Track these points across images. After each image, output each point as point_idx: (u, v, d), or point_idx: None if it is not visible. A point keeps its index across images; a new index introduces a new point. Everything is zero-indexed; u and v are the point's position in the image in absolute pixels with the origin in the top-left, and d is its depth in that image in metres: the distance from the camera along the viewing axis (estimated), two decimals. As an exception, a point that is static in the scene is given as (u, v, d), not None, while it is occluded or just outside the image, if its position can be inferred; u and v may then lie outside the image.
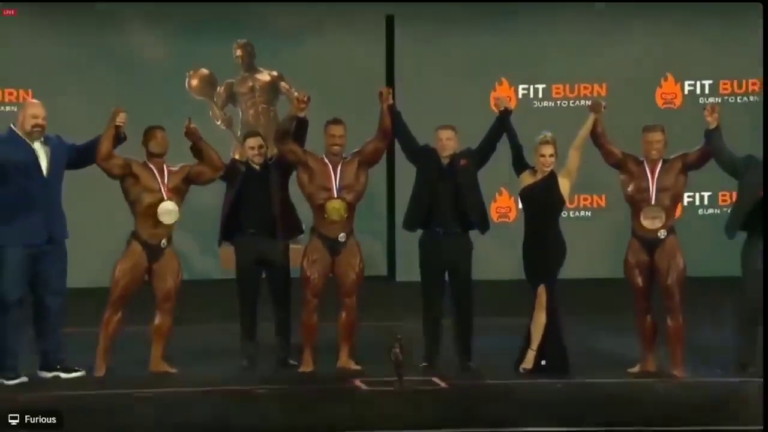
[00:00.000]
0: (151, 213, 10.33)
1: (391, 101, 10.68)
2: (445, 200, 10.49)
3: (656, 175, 10.34)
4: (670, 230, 10.40)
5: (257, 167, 10.67)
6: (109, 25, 13.78)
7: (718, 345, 10.68)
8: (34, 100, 10.80)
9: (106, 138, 10.28)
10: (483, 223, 10.64)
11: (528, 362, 10.36)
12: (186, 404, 9.60)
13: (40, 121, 10.25)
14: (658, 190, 10.33)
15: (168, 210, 10.35)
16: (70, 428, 8.82)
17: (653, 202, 10.33)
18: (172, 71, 13.49)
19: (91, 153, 10.34)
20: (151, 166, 10.41)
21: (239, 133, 12.88)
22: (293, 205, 10.80)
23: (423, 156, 10.62)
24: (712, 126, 10.37)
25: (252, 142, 10.78)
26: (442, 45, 13.96)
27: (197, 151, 10.56)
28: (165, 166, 10.44)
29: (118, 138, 10.36)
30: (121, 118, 10.33)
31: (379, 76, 13.53)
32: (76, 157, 10.42)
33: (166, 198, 10.35)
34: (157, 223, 10.34)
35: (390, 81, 13.37)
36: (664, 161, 10.42)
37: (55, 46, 13.66)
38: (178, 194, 10.45)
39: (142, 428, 8.92)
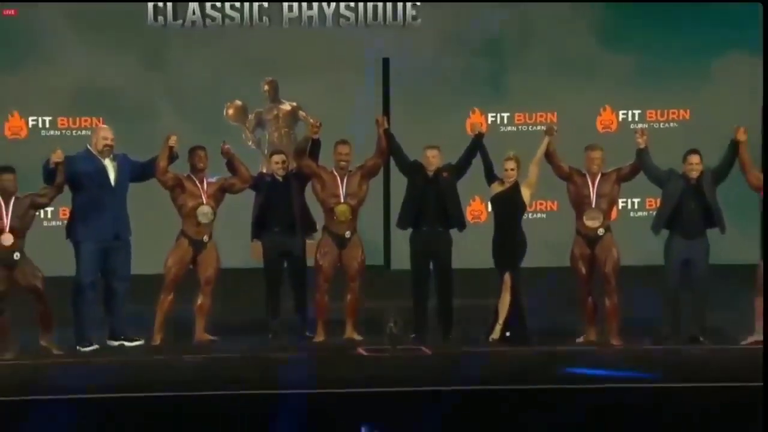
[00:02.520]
0: (193, 215, 10.42)
1: (386, 126, 10.78)
2: (431, 205, 10.52)
3: (596, 185, 10.41)
4: (607, 228, 10.47)
5: (280, 178, 10.71)
6: (163, 68, 13.82)
7: (646, 320, 10.76)
8: (105, 125, 10.84)
9: (163, 157, 10.36)
10: (461, 223, 10.67)
11: (496, 333, 10.41)
12: (223, 366, 9.72)
13: (109, 141, 10.34)
14: (597, 197, 10.40)
15: (204, 212, 10.40)
16: (134, 385, 8.96)
17: (594, 206, 10.39)
18: (213, 102, 13.51)
19: (150, 169, 10.41)
20: (194, 178, 10.48)
21: (266, 151, 12.88)
22: (309, 208, 10.84)
23: (413, 169, 10.66)
24: (642, 146, 10.47)
25: (276, 158, 10.83)
26: (427, 81, 13.97)
27: (231, 166, 10.64)
28: (205, 179, 10.51)
29: (172, 157, 10.45)
30: (173, 141, 10.40)
31: (377, 105, 13.54)
32: (140, 171, 10.49)
33: (204, 203, 10.42)
34: (199, 222, 10.43)
35: (386, 110, 13.38)
36: (603, 174, 10.48)
37: (122, 81, 13.67)
38: (215, 200, 10.49)
39: (189, 384, 9.00)
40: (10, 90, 13.52)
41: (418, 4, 13.92)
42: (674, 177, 10.40)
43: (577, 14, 13.94)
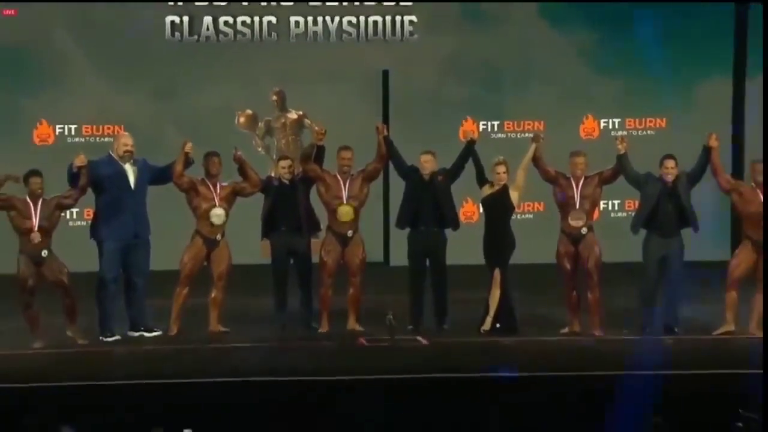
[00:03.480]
0: (207, 216, 10.43)
1: (386, 133, 10.78)
2: (427, 206, 10.51)
3: (580, 188, 10.41)
4: (590, 228, 10.47)
5: (287, 182, 10.70)
6: (180, 81, 13.85)
7: (625, 312, 10.76)
8: (125, 133, 10.85)
9: (179, 162, 10.37)
10: (454, 223, 10.68)
11: (486, 325, 10.39)
12: (235, 355, 9.73)
13: (129, 147, 10.35)
14: (581, 198, 10.39)
15: (217, 214, 10.40)
16: (153, 372, 8.98)
17: (577, 207, 10.39)
18: (226, 111, 13.54)
19: (168, 173, 10.42)
20: (208, 182, 10.48)
21: (274, 156, 12.90)
22: (313, 209, 10.81)
23: (410, 173, 10.66)
24: (621, 152, 10.48)
25: (283, 163, 10.82)
26: (423, 92, 14.00)
27: (242, 171, 10.64)
28: (218, 183, 10.51)
29: (188, 162, 10.46)
30: (188, 148, 10.41)
31: (377, 114, 13.58)
32: (158, 175, 10.49)
33: (217, 205, 10.44)
34: (213, 223, 10.44)
35: (386, 118, 13.41)
36: (586, 177, 10.48)
37: (140, 95, 13.71)
38: (227, 203, 10.49)
39: (205, 371, 9.04)
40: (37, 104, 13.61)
41: (416, 21, 13.95)
42: (651, 180, 10.41)
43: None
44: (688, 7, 13.82)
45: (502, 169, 10.44)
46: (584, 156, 10.56)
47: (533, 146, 10.55)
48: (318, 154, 10.66)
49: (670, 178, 10.33)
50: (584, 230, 10.42)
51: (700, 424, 7.24)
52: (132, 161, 10.35)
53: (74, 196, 10.21)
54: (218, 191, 10.46)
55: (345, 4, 13.93)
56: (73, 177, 10.16)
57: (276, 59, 13.85)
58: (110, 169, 10.30)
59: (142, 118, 13.30)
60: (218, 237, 10.49)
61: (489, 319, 10.39)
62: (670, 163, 10.36)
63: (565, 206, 10.46)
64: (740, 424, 7.12)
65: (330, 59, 13.91)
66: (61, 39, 13.68)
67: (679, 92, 13.91)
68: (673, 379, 8.81)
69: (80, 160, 10.13)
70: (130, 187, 10.31)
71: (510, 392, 8.55)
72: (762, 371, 8.12)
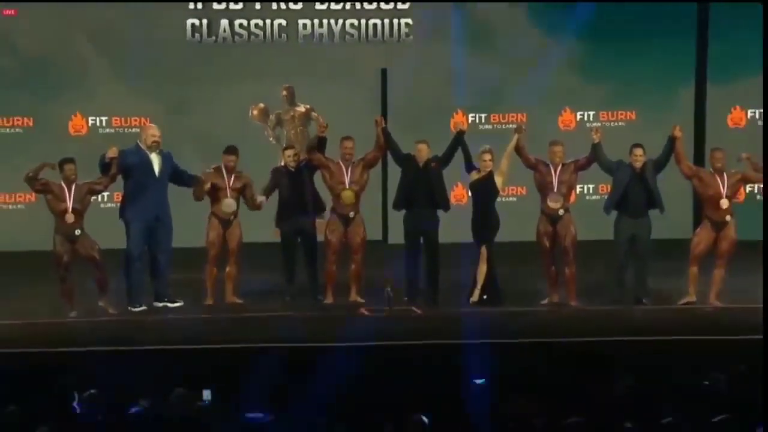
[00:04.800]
0: (220, 203, 10.47)
1: (384, 125, 10.82)
2: (421, 190, 10.51)
3: (558, 173, 10.44)
4: (567, 210, 10.51)
5: (293, 169, 10.73)
6: (199, 78, 13.83)
7: (599, 285, 10.81)
8: (153, 125, 10.86)
9: (199, 191, 10.42)
10: (446, 205, 10.69)
11: (474, 297, 10.43)
12: (248, 324, 9.79)
13: (156, 138, 10.38)
14: (558, 183, 10.42)
15: (228, 204, 10.47)
16: (175, 338, 9.02)
17: (555, 191, 10.42)
18: (240, 105, 13.55)
19: (188, 183, 10.49)
20: (224, 174, 10.52)
21: (284, 145, 12.92)
22: (318, 193, 10.86)
23: (406, 161, 10.67)
24: (596, 141, 10.52)
25: (288, 152, 10.84)
26: (418, 88, 13.99)
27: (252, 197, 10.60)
28: (233, 175, 10.52)
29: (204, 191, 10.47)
30: (207, 186, 10.38)
31: (376, 107, 13.58)
32: (179, 179, 10.51)
33: (228, 196, 10.48)
34: (224, 211, 10.48)
35: (384, 111, 13.41)
36: (563, 164, 10.52)
37: (161, 94, 13.71)
38: (238, 194, 10.57)
39: (222, 338, 9.09)
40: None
41: (411, 24, 13.96)
42: (622, 167, 10.44)
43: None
44: (653, 7, 13.79)
45: (488, 157, 10.47)
46: (562, 145, 10.59)
47: (516, 136, 10.58)
48: (321, 144, 10.69)
49: (638, 164, 10.38)
50: (561, 212, 10.46)
51: (669, 383, 7.28)
52: (158, 151, 10.38)
53: (104, 183, 10.29)
54: (231, 183, 10.50)
55: (348, 7, 13.93)
56: (105, 166, 10.22)
57: (286, 58, 13.86)
58: (137, 158, 10.33)
59: (162, 111, 13.28)
60: (232, 218, 10.54)
61: (476, 291, 10.43)
62: (639, 152, 10.40)
63: (544, 190, 10.50)
64: (707, 382, 7.17)
65: (334, 58, 13.91)
66: (81, 43, 13.66)
67: (647, 88, 13.91)
68: (643, 344, 8.87)
69: (113, 152, 10.20)
70: (154, 174, 10.34)
71: (496, 357, 8.57)
72: (762, 337, 8.17)
